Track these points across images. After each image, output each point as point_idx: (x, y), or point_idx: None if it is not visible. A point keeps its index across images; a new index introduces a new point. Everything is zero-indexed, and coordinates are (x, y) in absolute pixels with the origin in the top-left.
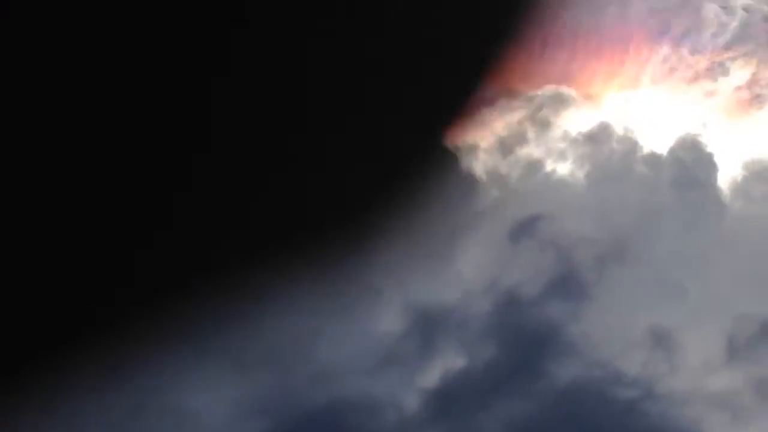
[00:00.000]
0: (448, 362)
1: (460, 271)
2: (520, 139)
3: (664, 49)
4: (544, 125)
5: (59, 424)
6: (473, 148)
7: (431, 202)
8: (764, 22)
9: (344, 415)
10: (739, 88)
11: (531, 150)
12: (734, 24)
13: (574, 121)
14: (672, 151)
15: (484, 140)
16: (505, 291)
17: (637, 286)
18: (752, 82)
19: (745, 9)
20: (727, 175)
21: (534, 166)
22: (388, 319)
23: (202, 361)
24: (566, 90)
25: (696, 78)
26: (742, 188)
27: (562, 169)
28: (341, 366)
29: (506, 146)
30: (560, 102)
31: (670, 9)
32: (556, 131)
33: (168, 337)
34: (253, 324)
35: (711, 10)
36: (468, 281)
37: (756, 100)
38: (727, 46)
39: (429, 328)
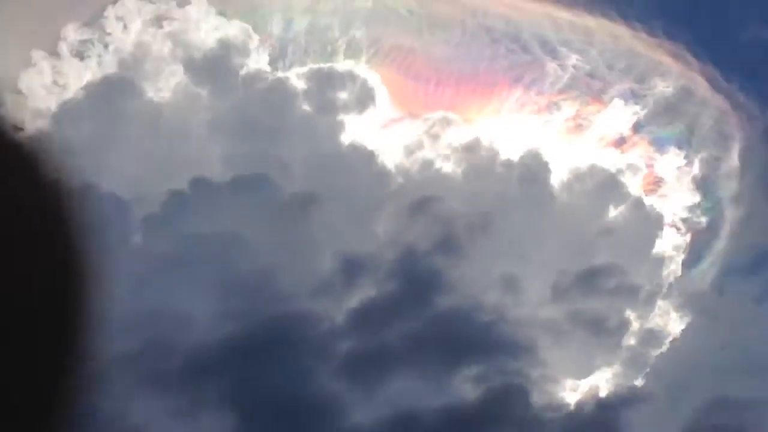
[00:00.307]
0: (364, 293)
1: (375, 231)
2: (419, 145)
3: (519, 91)
4: (435, 137)
5: None
6: (384, 150)
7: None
8: (586, 76)
9: (293, 324)
10: (567, 119)
11: (426, 153)
12: (566, 76)
13: (456, 135)
14: (521, 158)
15: (393, 145)
16: (406, 246)
17: (495, 248)
18: (576, 116)
19: (574, 66)
20: (558, 177)
21: (427, 164)
22: (325, 261)
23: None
24: (451, 114)
25: (539, 111)
26: (566, 186)
27: (447, 167)
28: (293, 291)
29: (409, 150)
30: (447, 122)
31: (524, 64)
32: (444, 142)
33: None
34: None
35: (551, 67)
36: (380, 239)
37: (579, 128)
38: (561, 91)
39: (352, 269)
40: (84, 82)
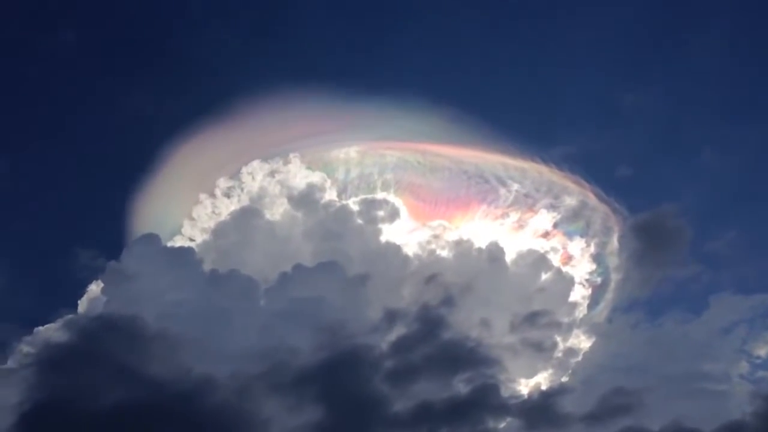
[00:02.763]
0: (399, 331)
1: (404, 294)
2: (427, 242)
3: (484, 206)
4: (437, 236)
5: None
6: (407, 245)
7: None
8: (524, 196)
9: (358, 350)
10: (514, 222)
11: (432, 246)
12: (512, 197)
13: (449, 235)
14: (488, 246)
15: (411, 242)
16: (422, 303)
17: (475, 302)
18: (519, 220)
19: (516, 191)
20: (510, 257)
21: (432, 252)
22: (376, 312)
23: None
24: (445, 222)
25: (497, 218)
26: (515, 262)
27: (444, 254)
28: (357, 331)
29: (421, 245)
30: (443, 227)
31: (486, 190)
32: (442, 239)
33: None
34: None
35: (502, 191)
36: (407, 298)
37: (521, 227)
38: (509, 206)
39: (392, 317)
40: (230, 211)
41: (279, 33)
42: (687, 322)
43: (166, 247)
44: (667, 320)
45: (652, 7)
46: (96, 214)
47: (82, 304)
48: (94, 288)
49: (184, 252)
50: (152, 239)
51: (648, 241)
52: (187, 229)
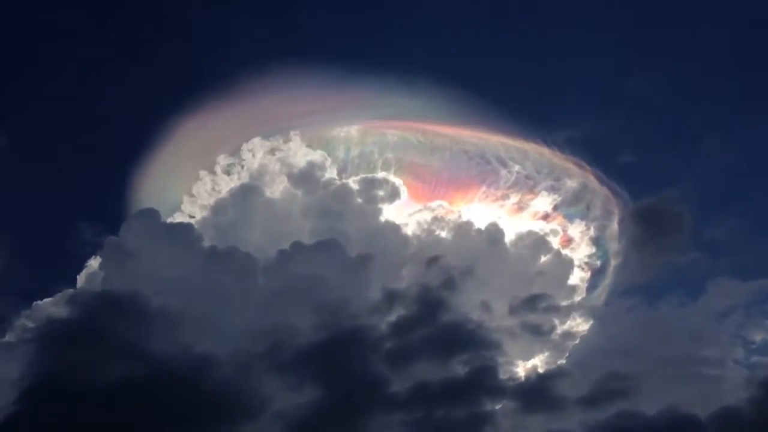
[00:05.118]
0: (399, 312)
1: (403, 275)
2: (426, 222)
3: (484, 187)
4: (436, 217)
5: None
6: (406, 225)
7: None
8: (524, 178)
9: (357, 331)
10: (514, 204)
11: (431, 227)
12: (512, 178)
13: (448, 215)
14: (487, 228)
15: (411, 222)
16: (423, 284)
17: (475, 284)
18: (519, 202)
19: (517, 172)
20: (509, 239)
21: (431, 233)
22: (376, 293)
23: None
24: (445, 203)
25: (497, 199)
26: (514, 244)
27: (443, 235)
28: (357, 311)
29: (420, 225)
30: (442, 208)
31: (487, 171)
32: (441, 220)
33: None
34: None
35: (503, 173)
36: (407, 280)
37: (521, 209)
38: (509, 187)
39: (392, 298)
40: (230, 188)
41: (282, 9)
42: (684, 306)
43: (165, 223)
44: (664, 305)
45: None
46: (101, 189)
47: (81, 279)
48: (93, 263)
49: (184, 228)
50: (151, 215)
51: (648, 227)
52: (186, 205)
